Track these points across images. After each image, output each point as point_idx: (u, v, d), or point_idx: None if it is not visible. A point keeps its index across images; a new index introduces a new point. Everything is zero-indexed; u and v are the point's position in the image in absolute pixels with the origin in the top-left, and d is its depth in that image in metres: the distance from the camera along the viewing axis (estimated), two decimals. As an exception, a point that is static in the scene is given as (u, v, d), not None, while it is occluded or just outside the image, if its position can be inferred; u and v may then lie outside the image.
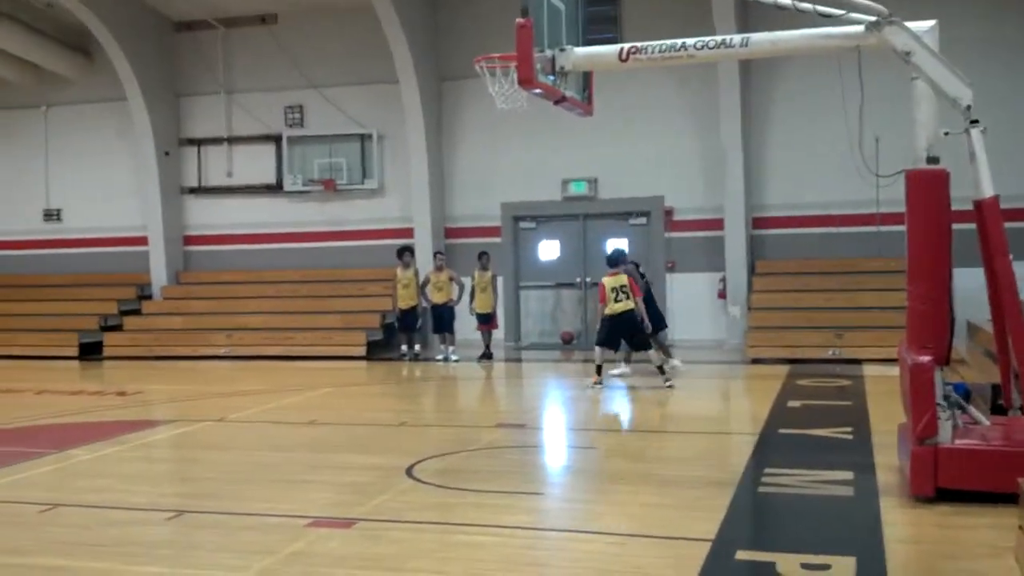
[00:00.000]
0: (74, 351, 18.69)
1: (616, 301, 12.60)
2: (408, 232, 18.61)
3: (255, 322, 18.54)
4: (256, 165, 19.89)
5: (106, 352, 18.72)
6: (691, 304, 17.80)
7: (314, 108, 19.54)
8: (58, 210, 20.92)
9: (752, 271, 17.45)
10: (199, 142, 20.14)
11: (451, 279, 17.06)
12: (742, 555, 5.87)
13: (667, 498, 7.26)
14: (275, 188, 19.77)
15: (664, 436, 10.18)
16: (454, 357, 16.67)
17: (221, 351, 17.97)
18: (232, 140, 19.99)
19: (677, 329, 17.80)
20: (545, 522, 7.00)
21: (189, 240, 20.38)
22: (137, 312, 19.68)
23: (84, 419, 11.75)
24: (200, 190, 20.22)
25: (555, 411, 12.55)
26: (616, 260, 13.11)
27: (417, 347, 17.24)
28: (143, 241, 20.06)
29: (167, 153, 19.84)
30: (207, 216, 20.24)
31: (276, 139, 19.68)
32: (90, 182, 20.63)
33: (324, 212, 19.61)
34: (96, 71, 20.05)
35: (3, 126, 21.12)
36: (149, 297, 20.06)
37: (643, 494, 7.58)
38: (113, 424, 11.23)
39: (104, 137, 20.51)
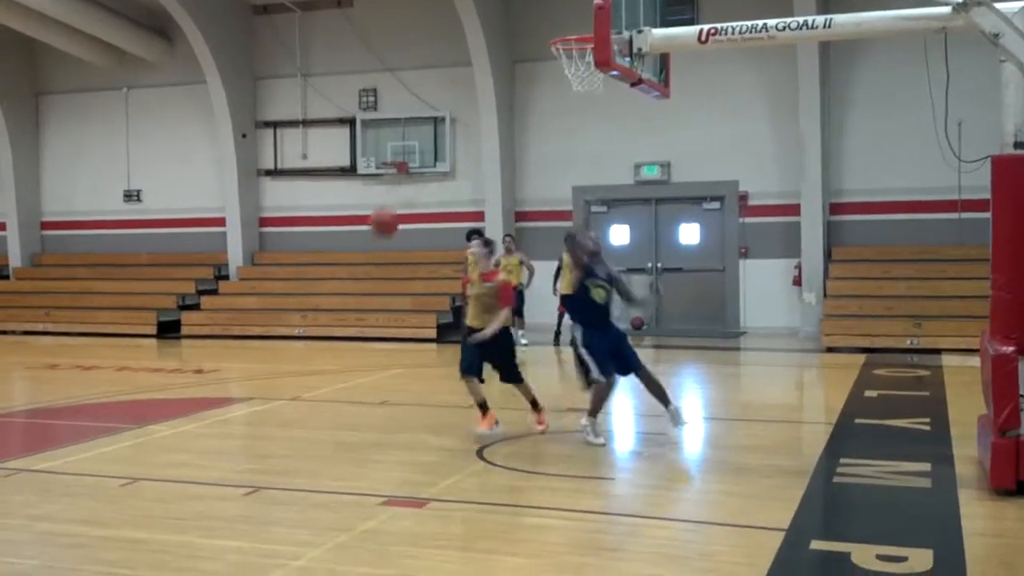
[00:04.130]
0: (153, 329, 19.15)
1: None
2: (479, 215, 18.66)
3: (328, 303, 18.78)
4: (330, 148, 20.09)
5: (184, 331, 19.14)
6: (764, 291, 17.56)
7: (387, 91, 19.65)
8: (138, 191, 21.40)
9: (829, 258, 17.14)
10: (275, 124, 20.42)
11: (521, 262, 17.05)
12: (816, 544, 5.80)
13: (740, 486, 7.19)
14: (349, 171, 19.95)
15: (737, 424, 10.07)
16: (523, 340, 16.66)
17: (295, 331, 18.24)
18: (307, 123, 20.22)
19: (749, 316, 17.59)
20: (616, 507, 6.99)
21: (265, 222, 20.69)
22: (214, 292, 20.07)
23: (163, 396, 12.04)
24: (276, 172, 20.51)
25: (625, 396, 12.50)
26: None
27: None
28: (221, 222, 20.42)
29: (244, 135, 20.15)
30: (283, 198, 20.53)
31: (350, 122, 19.85)
32: (169, 164, 21.05)
33: (396, 195, 19.72)
34: (176, 54, 20.43)
35: (86, 108, 21.64)
36: (226, 277, 20.44)
37: (716, 481, 7.53)
38: (191, 401, 11.50)
39: (183, 119, 20.91)
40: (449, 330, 17.90)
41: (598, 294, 8.45)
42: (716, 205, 17.97)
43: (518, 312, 16.95)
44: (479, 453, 8.12)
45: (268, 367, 15.01)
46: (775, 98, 17.41)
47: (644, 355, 15.62)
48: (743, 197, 17.70)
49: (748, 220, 17.73)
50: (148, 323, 19.20)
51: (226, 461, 8.50)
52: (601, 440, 8.34)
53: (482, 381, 8.75)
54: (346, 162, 19.98)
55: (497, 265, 16.77)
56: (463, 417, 8.82)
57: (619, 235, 18.61)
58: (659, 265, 18.09)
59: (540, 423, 8.87)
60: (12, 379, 14.82)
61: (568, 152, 18.51)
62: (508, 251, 17.12)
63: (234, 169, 20.08)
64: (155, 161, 21.15)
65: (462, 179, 19.33)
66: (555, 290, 16.73)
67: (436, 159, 19.31)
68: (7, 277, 21.83)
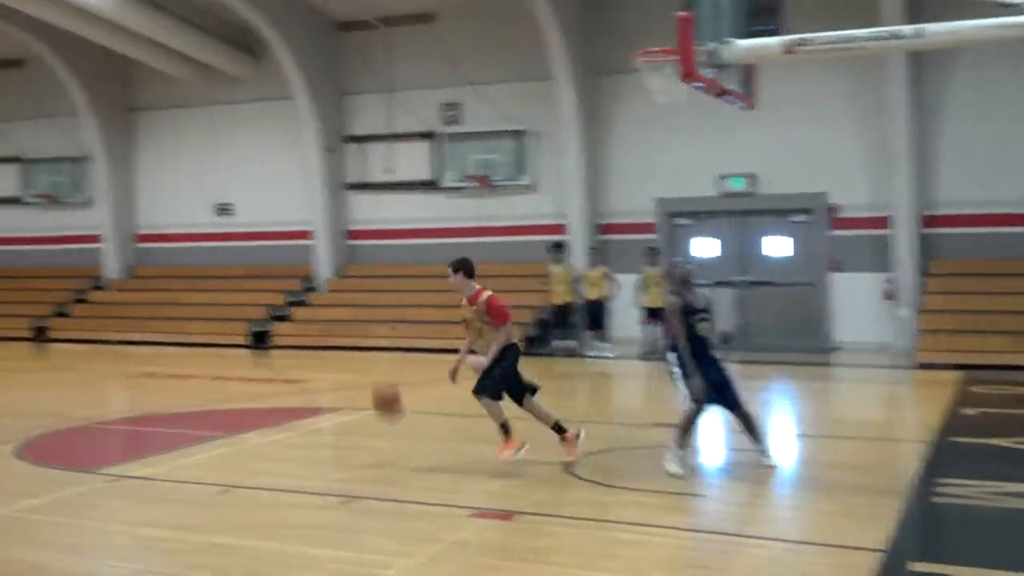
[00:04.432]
0: (244, 340, 19.56)
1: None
2: (561, 228, 18.65)
3: (414, 315, 18.96)
4: (414, 161, 20.30)
5: (274, 341, 19.51)
6: (855, 305, 17.15)
7: (470, 105, 19.80)
8: (229, 204, 21.91)
9: (923, 271, 16.69)
10: (361, 139, 20.73)
11: (605, 275, 17.02)
12: (917, 567, 5.64)
13: (834, 504, 7.04)
14: (431, 184, 20.14)
15: (829, 441, 9.87)
16: (608, 354, 16.62)
17: (383, 342, 18.42)
18: (392, 137, 20.47)
19: (840, 331, 17.22)
20: (707, 524, 6.90)
21: (353, 234, 20.99)
22: (303, 303, 20.43)
23: (255, 405, 12.30)
24: (362, 186, 20.81)
25: (714, 412, 12.33)
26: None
27: (571, 343, 17.27)
28: (309, 235, 20.80)
29: (331, 150, 20.50)
30: (368, 211, 20.81)
31: (433, 136, 20.05)
32: (259, 178, 21.51)
33: (479, 208, 19.86)
34: (264, 71, 20.88)
35: (179, 124, 22.25)
36: (314, 289, 20.79)
37: (808, 499, 7.39)
38: (282, 411, 11.71)
39: (272, 134, 21.35)
40: (533, 342, 17.91)
41: (702, 327, 8.13)
42: (804, 218, 17.65)
43: (599, 324, 16.94)
44: (566, 467, 8.10)
45: (356, 378, 15.19)
46: (864, 107, 17.07)
47: (731, 371, 15.50)
48: (832, 209, 17.36)
49: (838, 233, 17.38)
50: (240, 334, 19.63)
51: (317, 470, 8.64)
52: (681, 471, 7.82)
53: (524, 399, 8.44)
54: (429, 176, 20.17)
55: (581, 278, 16.91)
56: (547, 430, 8.78)
57: (703, 248, 18.41)
58: (746, 279, 17.84)
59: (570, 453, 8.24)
60: (111, 388, 15.30)
61: (651, 164, 18.39)
62: (593, 264, 17.16)
63: (322, 183, 20.43)
64: (245, 175, 21.64)
65: (544, 192, 19.36)
66: (638, 303, 16.70)
67: (518, 172, 19.37)
68: (105, 288, 22.53)
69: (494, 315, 8.27)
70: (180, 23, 19.25)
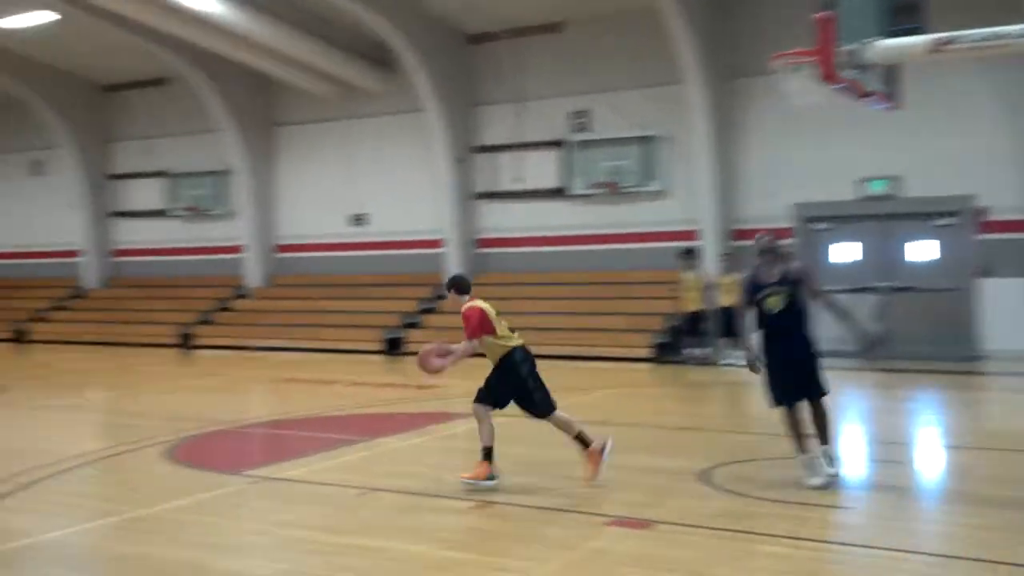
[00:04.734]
0: (379, 346, 19.98)
1: (511, 330, 8.40)
2: (692, 234, 18.41)
3: (543, 322, 19.00)
4: (542, 170, 20.39)
5: (408, 348, 19.85)
6: (1005, 312, 16.35)
7: (599, 112, 19.76)
8: (364, 215, 22.44)
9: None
10: (490, 149, 20.93)
11: (739, 282, 16.69)
12: (1081, 587, 5.32)
13: (986, 519, 6.71)
14: (560, 192, 20.18)
15: (979, 453, 9.42)
16: (742, 361, 16.27)
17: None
18: (520, 146, 20.60)
19: (991, 338, 16.44)
20: (853, 537, 6.67)
21: (482, 243, 21.23)
22: (434, 311, 20.74)
23: (391, 410, 12.53)
24: (491, 195, 21.01)
25: (856, 422, 11.96)
26: (469, 286, 8.63)
27: (704, 350, 17.01)
28: (439, 244, 21.12)
29: (461, 160, 20.77)
30: (497, 220, 21.00)
31: (561, 144, 20.09)
32: (392, 189, 21.97)
33: (608, 215, 19.79)
34: (397, 84, 21.32)
35: (316, 138, 22.94)
36: (445, 297, 21.02)
37: (957, 513, 7.08)
38: (417, 415, 11.90)
39: (404, 146, 21.78)
40: (665, 349, 17.73)
41: (770, 302, 7.69)
42: (950, 221, 16.93)
43: (733, 332, 16.58)
44: (702, 476, 7.96)
45: (486, 385, 15.31)
46: (1013, 102, 16.28)
47: (871, 379, 15.03)
48: (980, 212, 16.60)
49: (985, 236, 16.61)
50: (375, 340, 20.07)
51: (454, 474, 8.71)
52: (817, 481, 7.48)
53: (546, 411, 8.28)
54: (558, 184, 20.22)
55: (714, 285, 16.64)
56: (681, 438, 8.68)
57: (843, 254, 17.87)
58: (888, 284, 17.22)
59: (593, 468, 7.85)
60: (254, 392, 15.85)
61: (786, 167, 17.97)
62: (726, 271, 16.87)
63: (452, 193, 20.73)
64: (379, 186, 22.13)
65: (674, 198, 19.15)
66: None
67: (647, 178, 19.22)
68: (247, 297, 23.38)
69: (464, 324, 8.15)
70: (318, 40, 19.86)
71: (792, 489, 7.53)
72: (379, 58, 21.19)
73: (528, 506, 7.24)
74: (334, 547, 6.36)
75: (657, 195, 19.28)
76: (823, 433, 7.71)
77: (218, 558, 6.23)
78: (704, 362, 16.79)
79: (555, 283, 20.08)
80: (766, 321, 7.78)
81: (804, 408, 7.76)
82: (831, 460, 7.61)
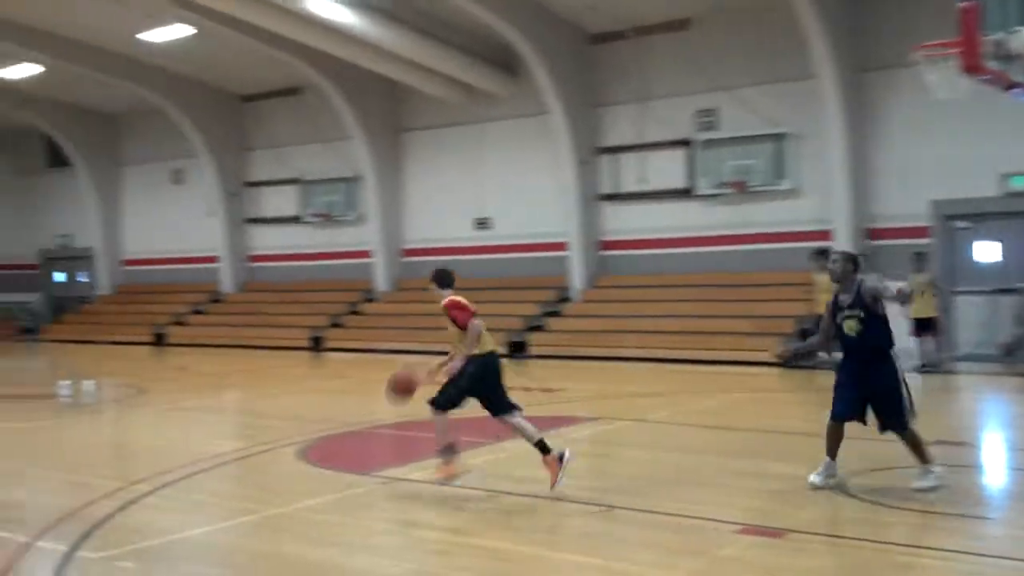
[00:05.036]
0: (503, 349, 20.03)
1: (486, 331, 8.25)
2: (826, 234, 17.86)
3: (668, 325, 18.78)
4: (668, 170, 20.14)
5: (531, 351, 19.91)
6: None
7: (725, 110, 19.40)
8: (488, 219, 22.60)
9: None
10: (614, 150, 20.80)
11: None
12: None
13: None
14: (686, 192, 19.89)
15: None
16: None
17: (635, 352, 18.35)
18: (645, 147, 20.40)
19: None
20: (995, 549, 6.33)
21: (606, 245, 21.10)
22: (558, 314, 20.74)
23: (515, 413, 12.53)
24: (615, 196, 20.87)
25: (998, 429, 11.39)
26: (453, 280, 8.65)
27: (837, 354, 16.42)
28: (563, 246, 21.09)
29: (584, 162, 20.69)
30: (621, 221, 20.84)
31: (687, 143, 19.80)
32: (515, 192, 22.07)
33: (735, 215, 19.40)
34: (521, 88, 21.40)
35: (442, 143, 23.23)
36: (569, 300, 21.05)
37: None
38: (541, 419, 11.82)
39: (528, 149, 21.85)
40: (795, 353, 17.23)
41: (848, 326, 7.46)
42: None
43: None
44: (837, 484, 7.68)
45: (611, 387, 15.23)
46: None
47: (1013, 383, 14.26)
48: None
49: None
50: (499, 343, 20.12)
51: (578, 479, 8.65)
52: (924, 484, 7.26)
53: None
54: (683, 184, 19.93)
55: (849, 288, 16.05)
56: (812, 445, 8.39)
57: (986, 253, 17.06)
58: (1034, 285, 16.38)
59: (551, 475, 7.69)
60: (382, 394, 16.07)
61: (924, 163, 17.27)
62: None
63: (575, 195, 20.67)
64: (503, 190, 22.26)
65: (806, 196, 18.63)
66: (906, 313, 15.66)
67: (777, 177, 18.76)
68: (375, 300, 23.85)
69: (451, 316, 7.98)
70: (444, 46, 20.11)
71: (930, 499, 7.20)
72: (503, 61, 21.32)
73: (650, 511, 7.13)
74: (460, 548, 6.40)
75: (788, 194, 18.80)
76: (917, 456, 7.41)
77: (349, 557, 6.34)
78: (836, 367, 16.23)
79: (679, 285, 19.79)
80: (846, 342, 7.60)
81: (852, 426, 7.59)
82: (925, 475, 7.34)
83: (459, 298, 8.16)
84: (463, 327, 7.98)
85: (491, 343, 8.08)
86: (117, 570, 6.17)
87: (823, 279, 16.55)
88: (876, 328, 7.38)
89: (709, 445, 9.93)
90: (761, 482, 8.00)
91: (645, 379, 16.32)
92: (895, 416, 7.35)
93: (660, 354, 18.05)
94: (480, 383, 7.95)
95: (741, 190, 19.07)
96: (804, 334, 17.27)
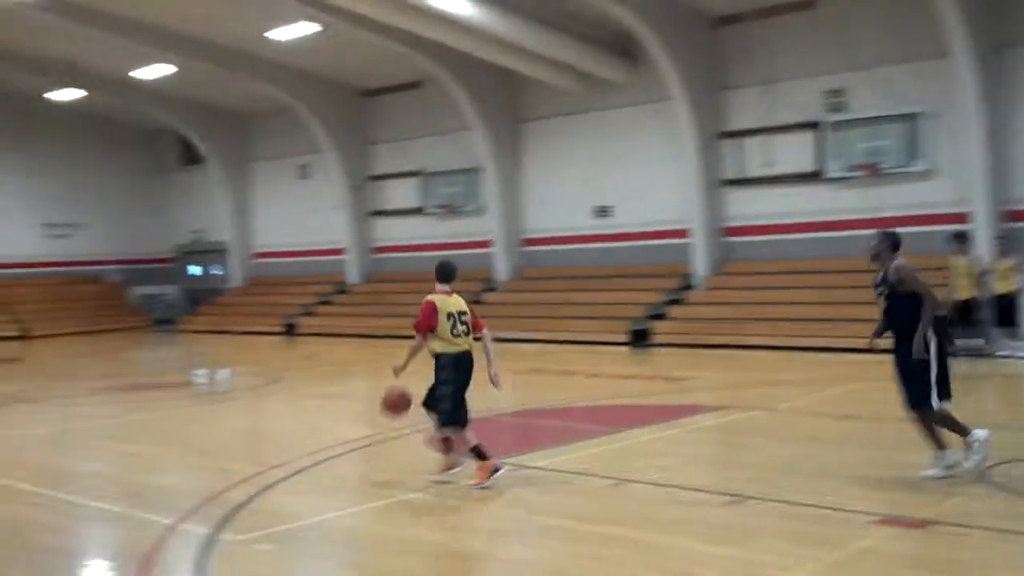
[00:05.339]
0: (624, 338, 19.94)
1: (454, 334, 7.92)
2: (963, 216, 17.10)
3: (794, 312, 18.31)
4: (794, 154, 19.60)
5: (653, 339, 19.69)
6: None
7: (856, 90, 18.75)
8: (608, 207, 22.43)
9: None
10: (738, 134, 20.36)
11: (1016, 267, 15.37)
12: None
13: None
14: (813, 176, 19.33)
15: None
16: (1021, 352, 14.98)
17: (762, 340, 17.95)
18: (770, 130, 19.90)
19: None
20: None
21: (729, 231, 20.70)
22: (681, 302, 20.46)
23: (639, 402, 12.44)
24: (739, 182, 20.44)
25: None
26: (449, 274, 8.32)
27: (977, 341, 15.76)
28: (685, 234, 20.78)
29: (708, 147, 20.31)
30: (745, 207, 20.39)
31: (814, 126, 19.23)
32: (636, 179, 21.83)
33: (866, 198, 18.74)
34: (641, 74, 21.14)
35: (561, 132, 23.15)
36: (692, 287, 20.74)
37: None
38: (665, 408, 11.74)
39: (648, 136, 21.58)
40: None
41: (879, 304, 7.56)
42: None
43: (1011, 321, 15.31)
44: (981, 474, 7.33)
45: (736, 376, 14.94)
46: None
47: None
48: None
49: None
50: (620, 332, 20.04)
51: (706, 468, 8.54)
52: (931, 472, 7.27)
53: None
54: (811, 167, 19.37)
55: (989, 271, 15.39)
56: (952, 436, 8.04)
57: None
58: None
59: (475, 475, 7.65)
60: (503, 382, 16.15)
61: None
62: (1002, 255, 15.60)
63: (698, 181, 20.33)
64: (622, 177, 22.05)
65: (941, 178, 17.87)
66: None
67: (911, 158, 18.05)
68: (495, 289, 23.98)
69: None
70: (563, 35, 20.03)
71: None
72: (623, 48, 21.10)
73: (785, 501, 6.94)
74: (589, 536, 6.35)
75: (922, 176, 18.07)
76: (931, 441, 7.39)
77: (478, 542, 6.37)
78: (978, 354, 15.55)
79: (806, 271, 19.27)
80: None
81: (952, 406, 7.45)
82: (936, 462, 7.35)
83: (435, 299, 7.93)
84: (416, 330, 7.84)
85: (465, 344, 7.92)
86: (256, 552, 6.34)
87: (961, 263, 15.93)
88: (899, 307, 7.37)
89: (840, 434, 9.64)
90: (896, 472, 7.71)
91: (772, 367, 15.95)
92: (906, 394, 7.37)
93: (787, 342, 17.62)
94: (464, 374, 7.90)
95: (872, 173, 18.42)
96: (946, 321, 16.61)
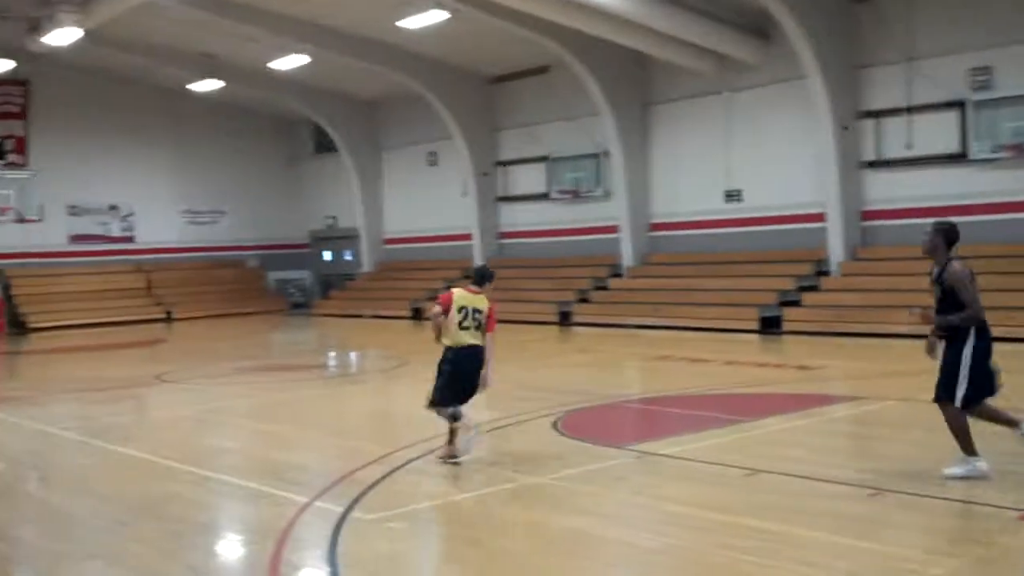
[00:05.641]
0: (754, 325, 19.52)
1: (462, 327, 8.22)
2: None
3: (931, 300, 17.53)
4: (937, 134, 18.77)
5: (785, 327, 19.22)
6: None
7: (1004, 67, 17.81)
8: (739, 190, 21.97)
9: None
10: (877, 114, 19.61)
11: None
12: None
13: None
14: (958, 157, 18.48)
15: None
16: None
17: (903, 329, 17.29)
18: (912, 109, 19.11)
19: None
20: None
21: (867, 215, 19.99)
22: (815, 288, 19.89)
23: (769, 390, 12.15)
24: (878, 163, 19.70)
25: None
26: (482, 278, 8.62)
27: None
28: (820, 218, 20.17)
29: (845, 128, 19.63)
30: (885, 190, 19.65)
31: (959, 105, 18.36)
32: (767, 162, 21.29)
33: (1014, 180, 17.82)
34: (774, 53, 20.57)
35: (690, 114, 22.76)
36: (827, 273, 20.14)
37: None
38: (798, 397, 11.44)
39: (781, 117, 21.01)
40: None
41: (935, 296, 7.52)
42: None
43: None
44: None
45: (872, 366, 14.44)
46: None
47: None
48: None
49: None
50: (750, 319, 19.63)
51: (841, 459, 8.28)
52: (952, 472, 7.07)
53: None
54: (955, 148, 18.52)
55: None
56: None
57: None
58: None
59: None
60: (629, 369, 16.09)
61: None
62: None
63: (834, 163, 19.66)
64: (753, 160, 21.55)
65: (1098, 158, 16.85)
66: None
67: (1065, 138, 17.08)
68: (621, 275, 23.82)
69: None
70: (695, 15, 19.65)
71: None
72: (756, 27, 20.58)
73: (926, 495, 6.67)
74: (720, 525, 6.23)
75: (1075, 156, 17.07)
76: (959, 442, 7.19)
77: (606, 527, 6.33)
78: None
79: (958, 257, 18.39)
80: None
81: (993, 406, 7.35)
82: (958, 464, 7.14)
83: (455, 291, 8.47)
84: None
85: (468, 338, 8.25)
86: (387, 531, 6.46)
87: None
88: (947, 308, 7.32)
89: (984, 426, 9.16)
90: (1051, 469, 7.31)
91: (911, 357, 15.14)
92: (938, 388, 7.27)
93: (928, 331, 16.86)
94: (459, 366, 8.23)
95: (1020, 154, 17.50)
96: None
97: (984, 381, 7.18)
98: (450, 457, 8.15)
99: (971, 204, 18.35)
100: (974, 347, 7.20)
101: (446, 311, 8.21)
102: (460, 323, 8.19)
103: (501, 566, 5.77)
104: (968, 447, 7.15)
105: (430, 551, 6.37)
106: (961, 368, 7.18)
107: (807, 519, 6.29)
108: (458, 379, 8.21)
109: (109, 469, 8.70)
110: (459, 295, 8.33)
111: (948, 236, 7.39)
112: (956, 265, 7.31)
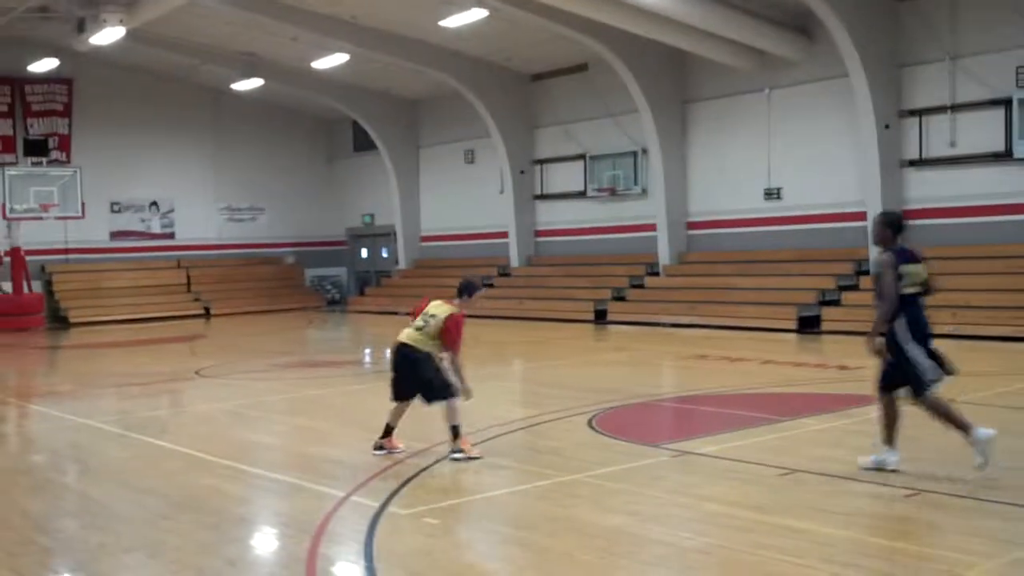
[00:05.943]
0: (793, 324, 19.34)
1: (412, 326, 8.52)
2: None
3: (979, 300, 17.31)
4: (982, 132, 18.48)
5: (824, 327, 19.02)
6: None
7: (1051, 64, 17.52)
8: (778, 189, 21.77)
9: None
10: (920, 112, 19.35)
11: None
12: None
13: None
14: (1004, 156, 18.18)
15: None
16: None
17: (946, 329, 17.05)
18: (955, 107, 18.83)
19: None
20: None
21: (909, 214, 19.68)
22: (856, 288, 19.65)
23: (808, 390, 12.03)
24: (921, 162, 19.44)
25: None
26: (460, 289, 8.77)
27: None
28: (861, 216, 19.93)
29: (887, 126, 19.38)
30: (929, 189, 19.37)
31: (1006, 102, 18.06)
32: (808, 160, 21.08)
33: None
34: (816, 50, 20.37)
35: (730, 112, 22.57)
36: (867, 272, 19.86)
37: None
38: (836, 396, 11.32)
39: (822, 115, 20.80)
40: None
41: None
42: None
43: None
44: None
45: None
46: None
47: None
48: None
49: None
50: (788, 318, 19.46)
51: (882, 460, 8.14)
52: (865, 461, 7.31)
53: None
54: (999, 147, 18.23)
55: None
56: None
57: None
58: None
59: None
60: (666, 367, 16.00)
61: None
62: None
63: (876, 161, 19.41)
64: (794, 158, 21.35)
65: None
66: None
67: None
68: (658, 274, 23.69)
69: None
70: (735, 12, 19.49)
71: None
72: (798, 24, 20.39)
73: (973, 498, 6.56)
74: (758, 525, 6.17)
75: (1124, 155, 16.73)
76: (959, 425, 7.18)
77: (643, 526, 6.29)
78: None
79: (995, 257, 18.16)
80: None
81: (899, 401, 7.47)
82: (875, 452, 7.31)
83: (425, 299, 8.85)
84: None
85: (404, 336, 8.51)
86: (424, 526, 6.46)
87: None
88: (879, 296, 7.36)
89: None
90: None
91: (954, 357, 15.07)
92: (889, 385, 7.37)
93: (971, 331, 16.67)
94: (395, 361, 8.54)
95: (1068, 151, 17.19)
96: None
97: (933, 361, 7.34)
98: (456, 452, 8.21)
99: (1016, 203, 18.08)
100: (906, 334, 7.36)
101: (414, 314, 8.61)
102: (415, 323, 8.49)
103: (539, 562, 5.75)
104: (890, 438, 7.26)
105: (466, 546, 6.36)
106: (909, 360, 7.30)
107: (845, 519, 6.22)
108: (393, 376, 8.55)
109: (148, 462, 8.78)
110: (433, 304, 8.64)
111: (894, 225, 7.40)
112: (880, 255, 7.37)
